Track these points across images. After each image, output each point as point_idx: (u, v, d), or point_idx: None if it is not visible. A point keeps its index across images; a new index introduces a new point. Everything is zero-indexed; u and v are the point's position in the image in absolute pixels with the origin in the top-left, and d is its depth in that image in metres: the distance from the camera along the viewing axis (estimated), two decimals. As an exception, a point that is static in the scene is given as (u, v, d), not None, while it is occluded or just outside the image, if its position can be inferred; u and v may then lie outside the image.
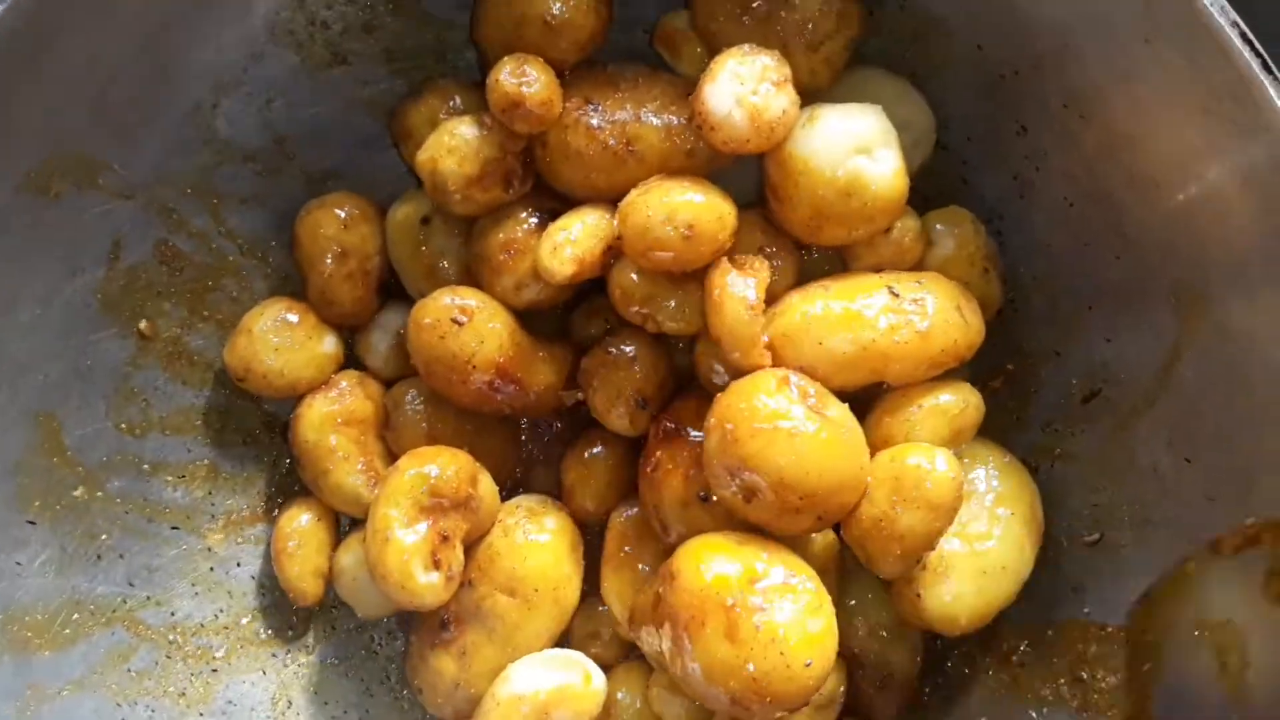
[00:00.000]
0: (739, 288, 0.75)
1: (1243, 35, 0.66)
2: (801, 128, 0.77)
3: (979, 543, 0.78)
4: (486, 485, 0.82)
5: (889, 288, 0.77)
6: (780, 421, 0.71)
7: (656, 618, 0.73)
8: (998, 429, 0.85)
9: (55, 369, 0.80)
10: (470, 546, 0.82)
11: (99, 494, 0.84)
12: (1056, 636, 0.82)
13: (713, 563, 0.71)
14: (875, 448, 0.76)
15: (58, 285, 0.79)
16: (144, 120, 0.79)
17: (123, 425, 0.85)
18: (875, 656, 0.83)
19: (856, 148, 0.76)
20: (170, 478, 0.88)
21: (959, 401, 0.79)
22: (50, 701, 0.78)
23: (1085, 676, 0.79)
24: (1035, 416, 0.86)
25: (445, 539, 0.79)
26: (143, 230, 0.83)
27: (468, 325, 0.80)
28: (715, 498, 0.75)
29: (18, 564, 0.78)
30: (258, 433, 0.92)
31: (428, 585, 0.77)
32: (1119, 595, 0.79)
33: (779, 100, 0.76)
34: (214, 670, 0.87)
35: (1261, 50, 0.65)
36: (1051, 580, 0.82)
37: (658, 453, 0.80)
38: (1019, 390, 0.86)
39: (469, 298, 0.81)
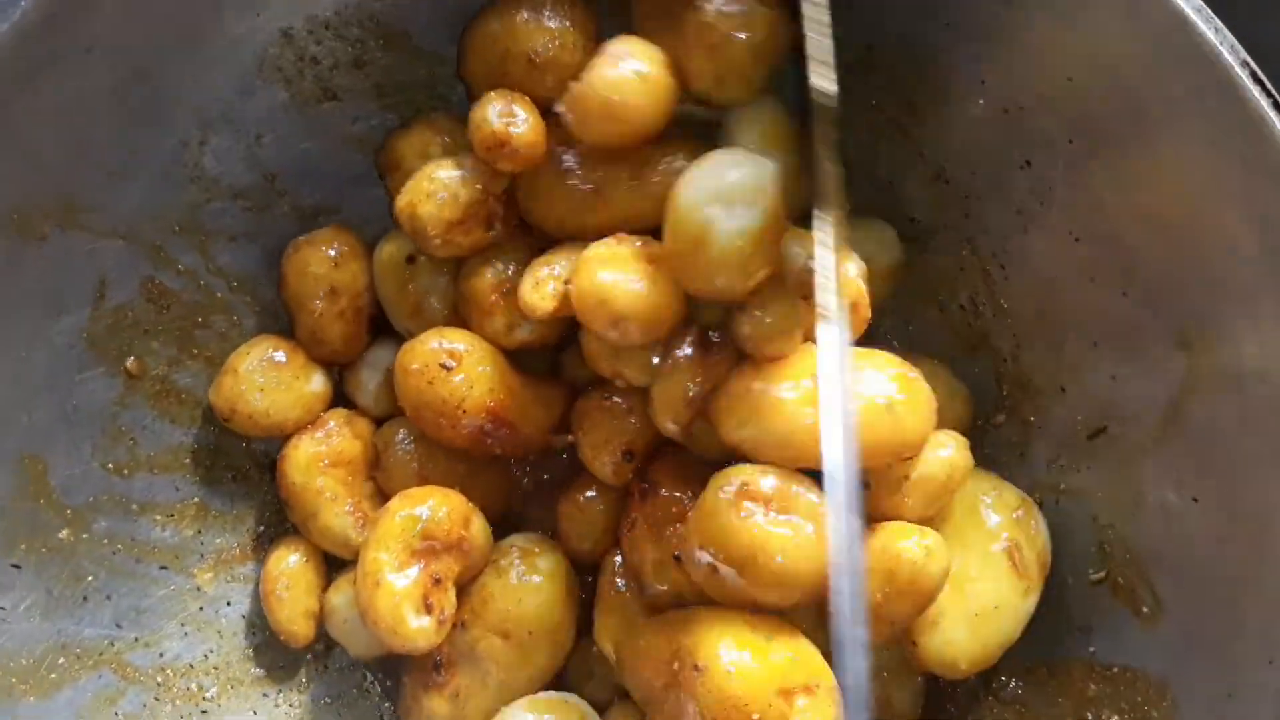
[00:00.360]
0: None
1: (1253, 74, 0.65)
2: (693, 165, 0.73)
3: (969, 585, 0.77)
4: (479, 526, 0.81)
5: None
6: (762, 549, 0.70)
7: (669, 692, 0.72)
8: (1002, 465, 0.84)
9: (40, 411, 0.79)
10: (463, 587, 0.81)
11: (85, 535, 0.83)
12: (1061, 676, 0.81)
13: (743, 663, 0.69)
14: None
15: (42, 327, 0.78)
16: (130, 158, 0.78)
17: (110, 465, 0.84)
18: (878, 700, 0.81)
19: (718, 197, 0.71)
20: (159, 517, 0.87)
21: (946, 466, 0.77)
22: (35, 749, 0.77)
23: (1091, 718, 0.78)
24: (1039, 453, 0.84)
25: (437, 582, 0.77)
26: (129, 269, 0.81)
27: (457, 370, 0.79)
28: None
29: (2, 608, 0.77)
30: (247, 470, 0.91)
31: (419, 630, 0.76)
32: (1125, 635, 0.78)
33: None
34: (204, 712, 0.86)
35: (1271, 89, 0.65)
36: (1056, 619, 0.81)
37: (634, 513, 0.79)
38: (1023, 426, 0.85)
39: (457, 341, 0.80)
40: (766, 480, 0.72)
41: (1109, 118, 0.72)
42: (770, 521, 0.71)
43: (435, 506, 0.78)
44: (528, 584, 0.81)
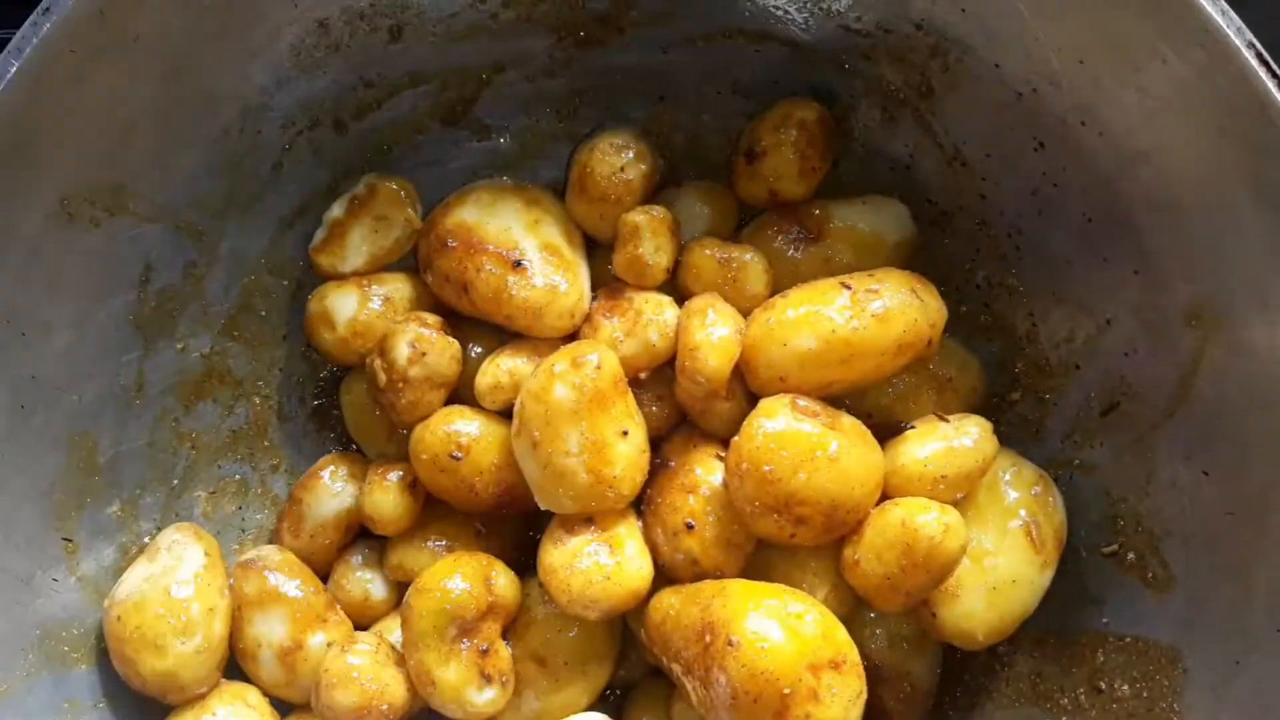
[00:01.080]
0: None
1: (1259, 56, 0.66)
2: None
3: (987, 559, 0.80)
4: (503, 579, 0.81)
5: (842, 283, 0.79)
6: (819, 451, 0.74)
7: (700, 664, 0.74)
8: (1017, 441, 0.86)
9: (90, 390, 0.82)
10: (508, 626, 0.83)
11: (134, 511, 0.86)
12: (1075, 646, 0.83)
13: (774, 639, 0.71)
14: (890, 484, 0.79)
15: (90, 308, 0.80)
16: (173, 145, 0.80)
17: (156, 444, 0.87)
18: (896, 668, 0.83)
19: None
20: (202, 494, 0.90)
21: (975, 454, 0.80)
22: (88, 714, 0.80)
23: (1104, 686, 0.80)
24: (1054, 428, 0.86)
25: (485, 652, 0.79)
26: (173, 253, 0.84)
27: (465, 460, 0.82)
28: (759, 531, 0.78)
29: (54, 580, 0.80)
30: (287, 450, 0.94)
31: (489, 702, 0.79)
32: (1137, 606, 0.80)
33: None
34: (247, 681, 0.89)
35: (1278, 70, 0.66)
36: (1070, 591, 0.83)
37: (649, 489, 0.82)
38: (1038, 403, 0.87)
39: (469, 423, 0.83)
40: (805, 401, 0.77)
41: (1118, 102, 0.73)
42: (818, 424, 0.75)
43: (455, 589, 0.78)
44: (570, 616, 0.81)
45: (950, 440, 0.80)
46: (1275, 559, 0.71)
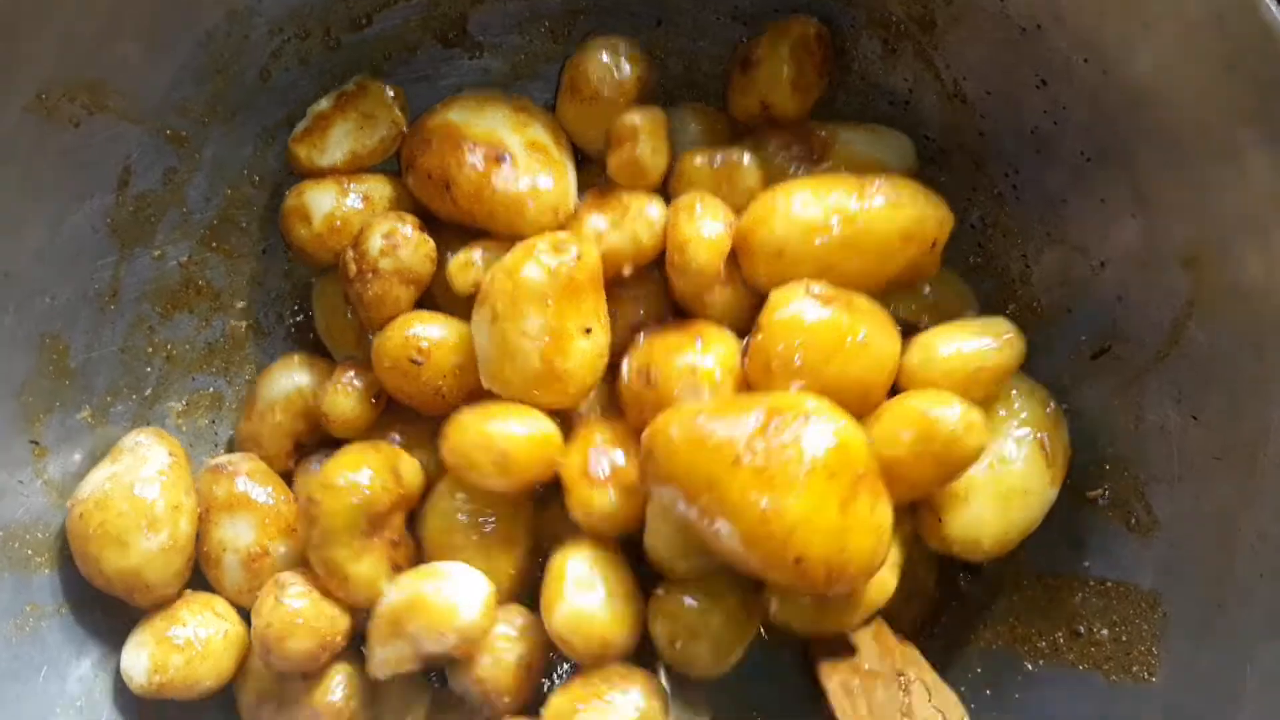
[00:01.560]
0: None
1: (1270, -10, 0.65)
2: None
3: (1001, 466, 0.78)
4: (407, 467, 0.80)
5: (850, 178, 0.79)
6: (849, 338, 0.73)
7: (753, 435, 0.69)
8: (1006, 384, 0.85)
9: (63, 292, 0.80)
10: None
11: (104, 418, 0.84)
12: (1055, 590, 0.83)
13: (850, 428, 0.69)
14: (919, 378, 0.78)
15: (67, 209, 0.79)
16: (157, 45, 0.78)
17: (129, 351, 0.86)
18: (904, 567, 0.81)
19: None
20: (174, 404, 0.89)
21: (1009, 345, 0.79)
22: (50, 619, 0.79)
23: (1082, 630, 0.80)
24: (1043, 372, 0.84)
25: (395, 543, 0.79)
26: (154, 157, 0.82)
27: (426, 364, 0.80)
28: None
29: (20, 482, 0.79)
30: (262, 362, 0.92)
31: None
32: (1119, 550, 0.79)
33: None
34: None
35: (1291, 8, 0.65)
36: (1052, 534, 0.82)
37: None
38: (1028, 345, 0.85)
39: (429, 326, 0.81)
40: (819, 287, 0.76)
41: (1124, 38, 0.72)
42: (839, 309, 0.74)
43: (364, 483, 0.76)
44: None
45: (982, 336, 0.79)
46: (1261, 504, 0.71)
